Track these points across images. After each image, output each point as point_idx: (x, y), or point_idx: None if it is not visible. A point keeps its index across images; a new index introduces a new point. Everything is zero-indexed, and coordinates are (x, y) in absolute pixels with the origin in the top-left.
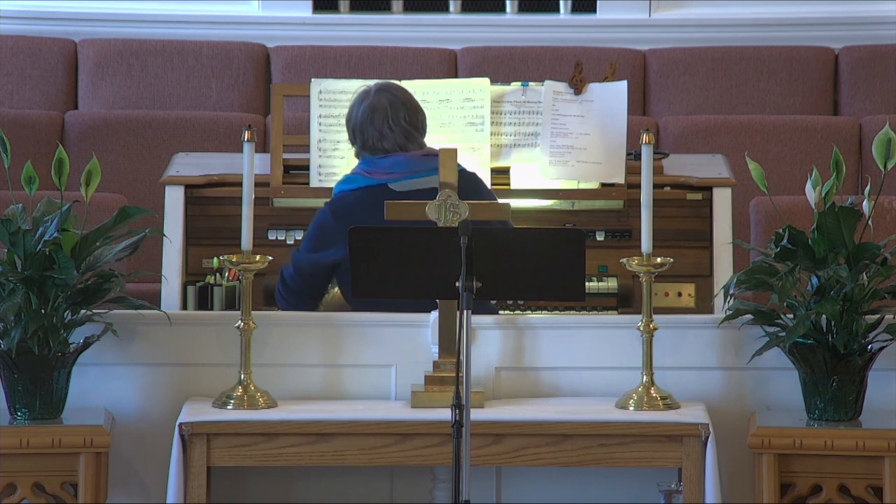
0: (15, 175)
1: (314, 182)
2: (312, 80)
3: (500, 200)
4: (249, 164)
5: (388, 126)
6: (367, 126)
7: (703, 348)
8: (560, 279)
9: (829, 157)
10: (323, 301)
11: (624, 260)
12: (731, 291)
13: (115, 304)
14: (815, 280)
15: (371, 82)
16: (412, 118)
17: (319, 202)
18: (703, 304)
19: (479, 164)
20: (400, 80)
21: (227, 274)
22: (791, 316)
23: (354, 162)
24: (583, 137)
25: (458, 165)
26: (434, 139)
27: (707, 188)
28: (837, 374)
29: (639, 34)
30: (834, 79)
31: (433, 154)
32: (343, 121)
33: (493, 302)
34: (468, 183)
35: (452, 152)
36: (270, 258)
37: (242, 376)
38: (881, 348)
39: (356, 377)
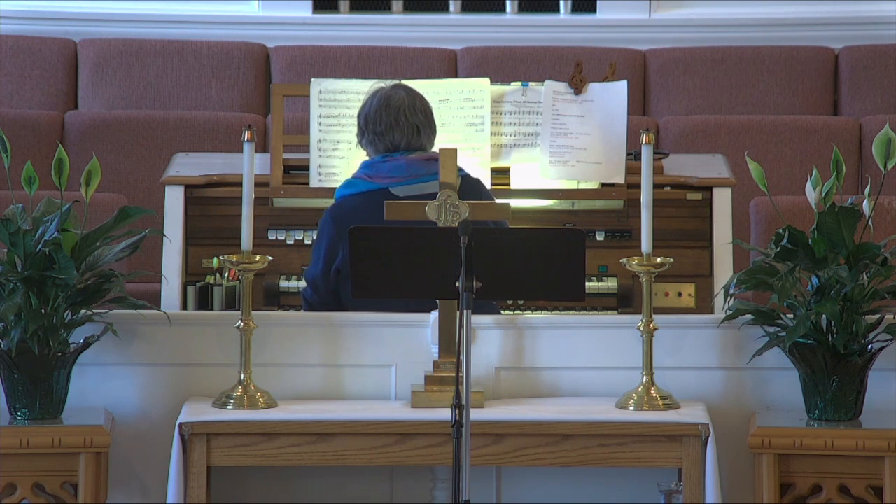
0: (15, 175)
1: (314, 182)
2: (312, 80)
3: (500, 201)
4: (249, 164)
5: (404, 115)
6: (382, 113)
7: (703, 348)
8: (560, 279)
9: (829, 157)
10: None
11: (624, 260)
12: (731, 291)
13: (115, 304)
14: (815, 280)
15: (387, 82)
16: (426, 118)
17: (319, 202)
18: (703, 304)
19: (479, 164)
20: (400, 80)
21: (227, 274)
22: (791, 316)
23: (354, 162)
24: (583, 137)
25: (461, 170)
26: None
27: (707, 188)
28: (837, 374)
29: (639, 34)
30: (834, 79)
31: (435, 158)
32: (343, 121)
33: (495, 302)
34: (470, 188)
35: (452, 152)
36: (270, 258)
37: (242, 376)
38: (881, 348)
39: (356, 377)
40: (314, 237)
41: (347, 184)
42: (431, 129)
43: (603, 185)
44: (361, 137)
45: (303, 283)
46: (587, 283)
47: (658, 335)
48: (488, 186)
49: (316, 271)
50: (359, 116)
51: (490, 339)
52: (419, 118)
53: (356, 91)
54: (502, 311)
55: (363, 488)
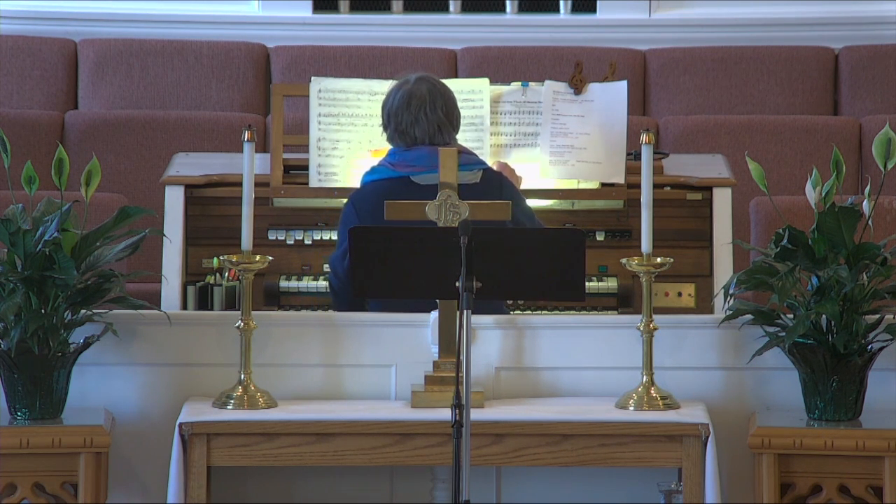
0: (15, 175)
1: (314, 182)
2: (312, 78)
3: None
4: (249, 164)
5: (424, 113)
6: (403, 111)
7: (703, 348)
8: (560, 279)
9: (829, 157)
10: None
11: (624, 260)
12: (731, 291)
13: (115, 304)
14: (815, 280)
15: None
16: (449, 111)
17: (319, 202)
18: (703, 304)
19: None
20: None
21: (227, 274)
22: (791, 316)
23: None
24: (583, 137)
25: (483, 164)
26: None
27: (707, 188)
28: (837, 374)
29: (639, 34)
30: (834, 79)
31: (459, 151)
32: (342, 120)
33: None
34: (493, 183)
35: (452, 152)
36: (270, 258)
37: (242, 376)
38: (881, 348)
39: (356, 377)
40: (315, 237)
41: (372, 170)
42: (453, 125)
43: (603, 185)
44: (386, 130)
45: (303, 283)
46: (587, 283)
47: (658, 335)
48: (514, 187)
49: (335, 254)
50: (383, 108)
51: (490, 339)
52: (439, 116)
53: (356, 90)
54: (509, 312)
55: (363, 488)
